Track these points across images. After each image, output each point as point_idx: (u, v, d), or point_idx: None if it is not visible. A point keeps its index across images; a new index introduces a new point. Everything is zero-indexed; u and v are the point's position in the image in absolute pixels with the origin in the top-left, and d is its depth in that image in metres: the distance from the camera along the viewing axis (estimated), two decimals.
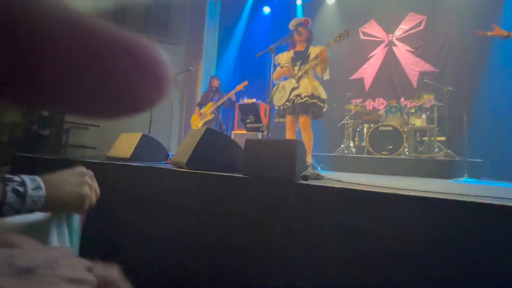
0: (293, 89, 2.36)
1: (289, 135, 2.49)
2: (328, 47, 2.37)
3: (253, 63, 5.39)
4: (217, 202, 1.40)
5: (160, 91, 0.29)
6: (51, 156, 2.40)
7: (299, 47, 2.51)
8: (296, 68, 2.41)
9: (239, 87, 3.90)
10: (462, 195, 0.94)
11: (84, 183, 0.45)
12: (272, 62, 2.10)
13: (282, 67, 2.51)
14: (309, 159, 2.32)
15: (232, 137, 4.78)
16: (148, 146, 2.54)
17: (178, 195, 1.60)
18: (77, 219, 0.52)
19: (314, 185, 1.12)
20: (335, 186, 1.08)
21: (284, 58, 2.53)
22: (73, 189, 0.43)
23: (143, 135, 2.50)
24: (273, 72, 2.17)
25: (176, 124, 5.97)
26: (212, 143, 1.61)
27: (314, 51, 2.41)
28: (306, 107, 2.28)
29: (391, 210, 0.97)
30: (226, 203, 1.37)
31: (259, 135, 3.74)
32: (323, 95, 2.38)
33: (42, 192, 0.40)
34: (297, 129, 2.58)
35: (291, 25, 2.51)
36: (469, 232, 0.81)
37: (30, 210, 0.39)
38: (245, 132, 3.91)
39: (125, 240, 1.76)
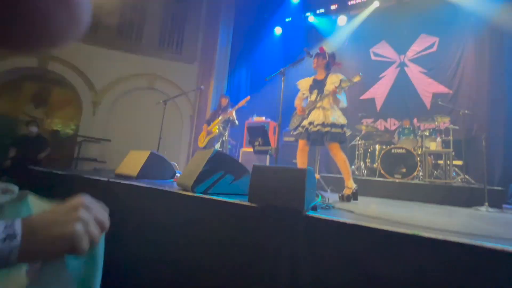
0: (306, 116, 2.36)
1: (299, 155, 2.40)
2: (340, 87, 2.32)
3: (264, 82, 5.45)
4: (222, 229, 1.34)
5: (75, 20, 0.26)
6: (61, 172, 2.42)
7: (319, 75, 2.49)
8: (313, 96, 2.40)
9: (241, 103, 3.90)
10: (494, 238, 0.85)
11: (76, 220, 0.36)
12: (283, 85, 2.09)
13: (303, 93, 2.50)
14: (351, 184, 2.18)
15: (241, 154, 4.75)
16: (156, 164, 2.53)
17: (182, 218, 1.56)
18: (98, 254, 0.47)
19: (324, 219, 1.05)
20: (347, 222, 1.00)
21: (304, 84, 2.51)
22: (61, 230, 0.35)
23: (151, 153, 2.50)
24: (283, 93, 2.15)
25: (185, 141, 6.01)
26: (219, 167, 1.57)
27: (331, 79, 2.41)
28: (320, 135, 2.24)
29: (409, 253, 0.88)
30: (230, 231, 1.30)
31: (268, 158, 3.68)
32: (341, 120, 2.31)
33: (17, 242, 0.32)
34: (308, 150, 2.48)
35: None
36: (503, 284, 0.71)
37: (2, 265, 0.32)
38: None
39: (127, 261, 1.71)
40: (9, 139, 4.12)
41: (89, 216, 0.38)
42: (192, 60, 6.22)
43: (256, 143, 1.87)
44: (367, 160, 4.41)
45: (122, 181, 2.03)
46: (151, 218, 1.73)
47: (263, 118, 5.11)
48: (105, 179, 2.10)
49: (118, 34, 5.80)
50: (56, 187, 2.38)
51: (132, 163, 2.53)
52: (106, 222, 0.41)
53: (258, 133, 1.89)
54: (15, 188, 0.54)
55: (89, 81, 5.65)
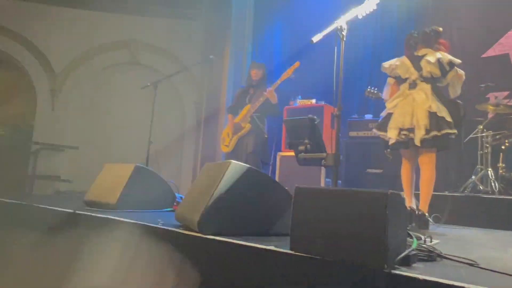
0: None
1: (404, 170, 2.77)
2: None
3: (310, 44, 5.33)
4: None
5: None
6: (5, 199, 2.62)
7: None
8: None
9: (286, 73, 3.72)
10: None
11: None
12: (342, 46, 2.02)
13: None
14: (426, 209, 2.59)
15: (278, 160, 4.74)
16: (144, 184, 2.61)
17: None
18: None
19: (425, 282, 0.98)
20: None
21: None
22: None
23: (136, 168, 2.59)
24: (343, 60, 2.08)
25: (189, 144, 6.17)
26: (242, 190, 1.57)
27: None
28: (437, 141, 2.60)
29: None
30: None
31: (323, 170, 3.55)
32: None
33: None
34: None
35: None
36: None
37: None
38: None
39: None
40: None
41: None
42: (195, 15, 6.35)
43: (301, 148, 1.80)
44: (500, 165, 4.13)
45: (94, 214, 2.13)
46: None
47: (313, 101, 5.03)
48: (70, 210, 2.22)
49: None
50: None
51: (108, 183, 2.66)
52: None
53: (303, 131, 1.82)
54: None
55: (45, 59, 6.07)
